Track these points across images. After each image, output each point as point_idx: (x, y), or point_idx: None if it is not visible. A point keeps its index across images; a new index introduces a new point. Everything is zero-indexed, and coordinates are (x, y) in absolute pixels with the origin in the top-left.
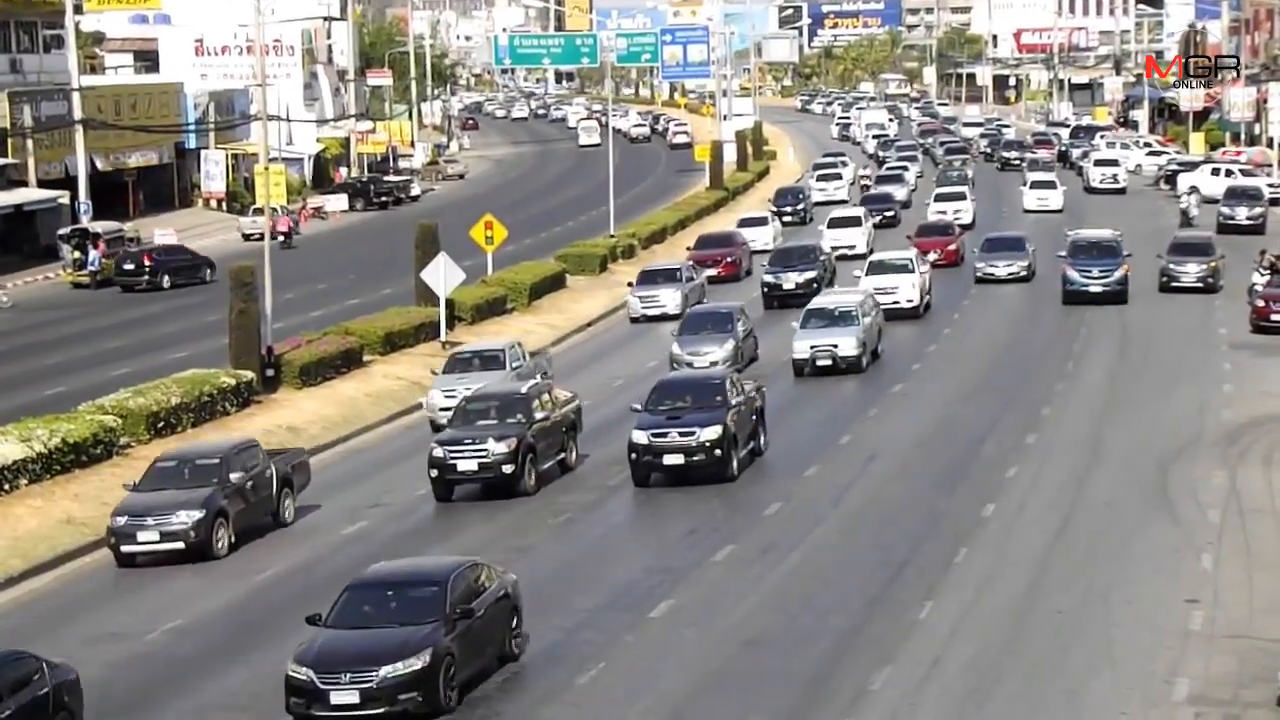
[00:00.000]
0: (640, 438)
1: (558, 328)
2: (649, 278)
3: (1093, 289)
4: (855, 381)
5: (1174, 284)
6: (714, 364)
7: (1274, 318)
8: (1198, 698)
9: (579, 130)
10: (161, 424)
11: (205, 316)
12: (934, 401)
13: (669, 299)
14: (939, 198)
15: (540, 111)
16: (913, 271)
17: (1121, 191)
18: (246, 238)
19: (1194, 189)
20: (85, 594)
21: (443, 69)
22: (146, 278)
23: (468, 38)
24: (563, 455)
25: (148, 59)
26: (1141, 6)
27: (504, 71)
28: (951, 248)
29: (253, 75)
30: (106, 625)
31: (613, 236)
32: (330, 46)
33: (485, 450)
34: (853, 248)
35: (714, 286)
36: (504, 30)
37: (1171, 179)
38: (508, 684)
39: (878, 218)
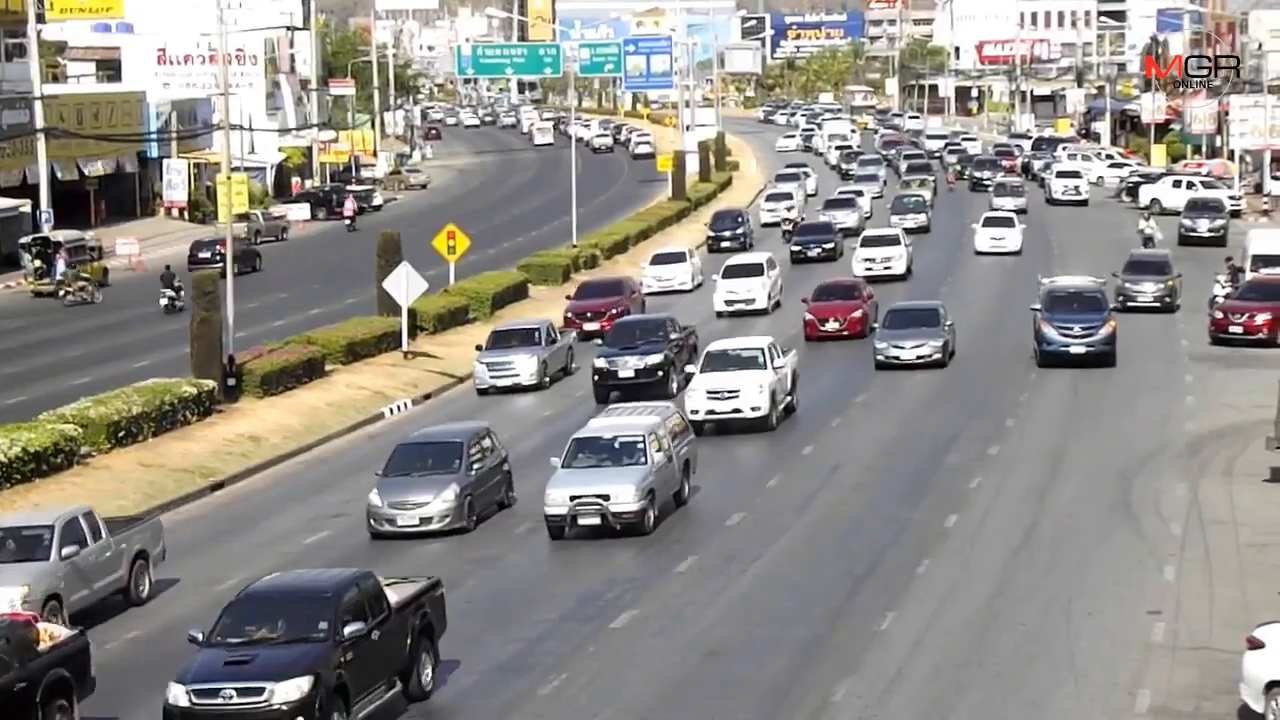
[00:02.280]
0: (178, 697)
1: None
2: (502, 340)
3: (1074, 350)
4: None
5: (1130, 304)
6: (426, 520)
7: (1233, 330)
8: (1160, 709)
9: (534, 132)
10: (122, 433)
11: (166, 325)
12: (898, 412)
13: (524, 367)
14: (867, 242)
15: (489, 119)
16: (764, 367)
17: (1083, 203)
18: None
19: (1152, 203)
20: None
21: (405, 79)
22: (220, 265)
23: (430, 48)
24: None
25: (110, 68)
26: (1104, 19)
27: (467, 82)
28: (856, 315)
29: (215, 84)
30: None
31: (575, 246)
32: (293, 56)
33: None
34: (752, 302)
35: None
36: (467, 40)
37: (1133, 191)
38: (468, 694)
39: (816, 251)
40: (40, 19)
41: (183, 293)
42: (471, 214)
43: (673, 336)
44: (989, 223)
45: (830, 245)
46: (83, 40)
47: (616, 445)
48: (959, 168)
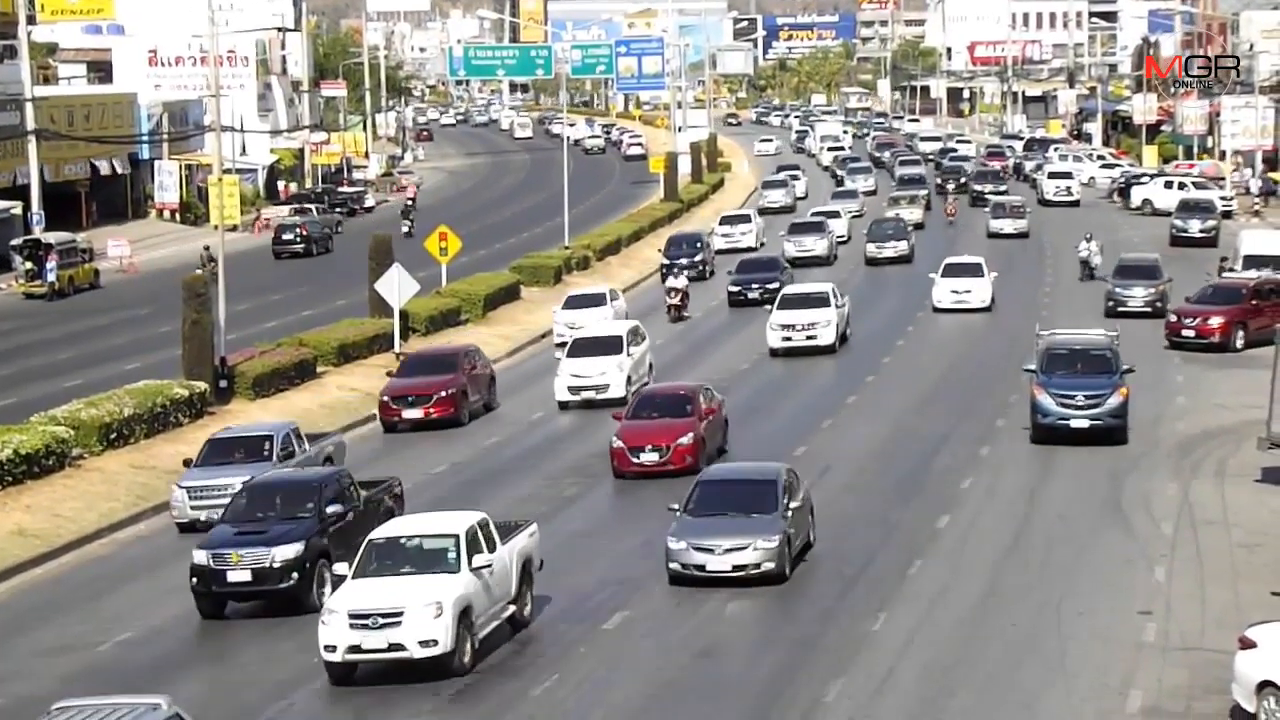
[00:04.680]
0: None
1: (511, 339)
2: (220, 452)
3: (1075, 424)
4: None
5: (1120, 308)
6: None
7: (1185, 333)
8: (1151, 709)
9: (514, 127)
10: (114, 435)
11: (158, 327)
12: (889, 413)
13: None
14: (786, 302)
15: (461, 117)
16: (455, 568)
17: (1075, 204)
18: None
19: (1144, 204)
20: (37, 605)
21: (397, 80)
22: (301, 245)
23: (422, 49)
24: None
25: (101, 69)
26: (1095, 20)
27: (459, 83)
28: (685, 440)
29: (206, 86)
30: (58, 637)
31: (567, 248)
32: (284, 57)
33: None
34: (604, 389)
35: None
36: (459, 42)
37: (1125, 191)
38: (461, 695)
39: (757, 291)
40: (31, 20)
41: (415, 223)
42: (463, 215)
43: (332, 510)
44: (951, 271)
45: (774, 285)
46: (74, 42)
47: None
48: (956, 191)
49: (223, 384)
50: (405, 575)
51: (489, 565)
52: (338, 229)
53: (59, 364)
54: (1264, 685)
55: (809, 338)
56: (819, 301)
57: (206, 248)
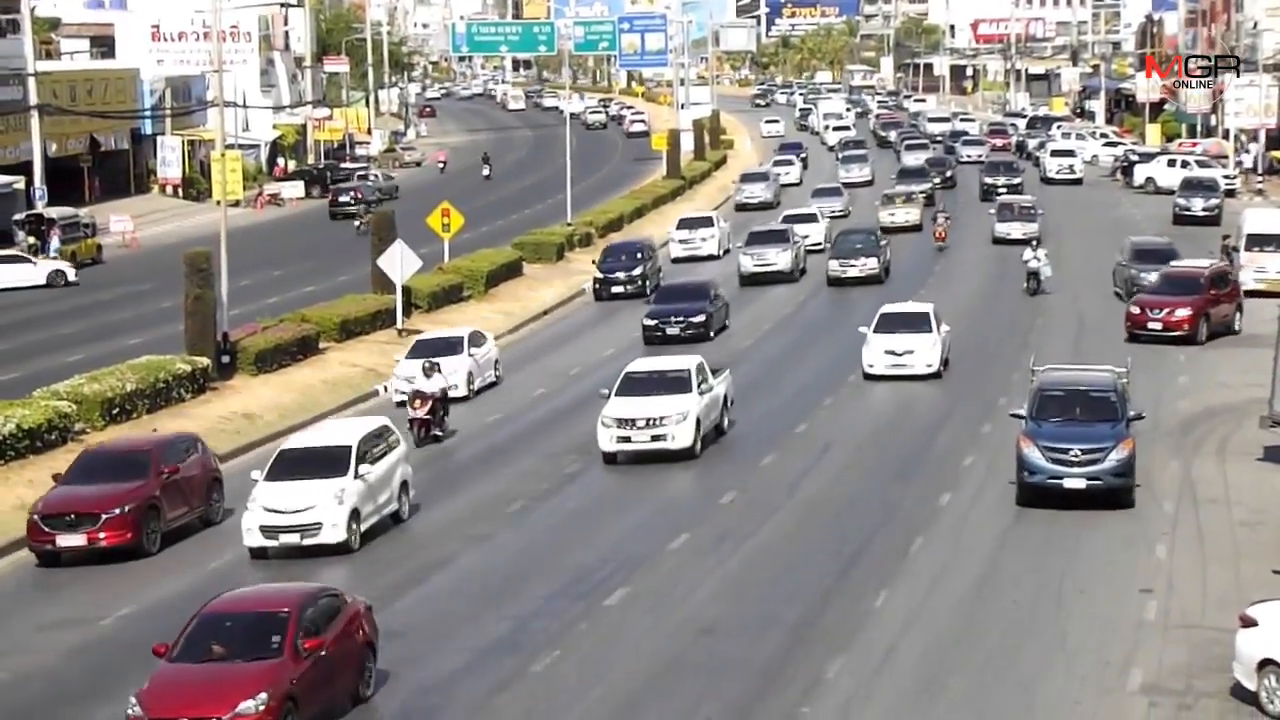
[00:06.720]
0: None
1: (513, 315)
2: None
3: (1069, 483)
4: None
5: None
6: None
7: (1151, 325)
8: (1151, 687)
9: (507, 99)
10: (117, 410)
11: (160, 303)
12: (890, 391)
13: None
14: (628, 385)
15: (445, 91)
16: None
17: (1078, 182)
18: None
19: (1147, 182)
20: (40, 580)
21: (400, 56)
22: (356, 207)
23: (425, 25)
24: None
25: (104, 44)
26: None
27: (461, 59)
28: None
29: (209, 61)
30: (61, 611)
31: (570, 224)
32: (287, 33)
33: None
34: (315, 529)
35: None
36: (461, 18)
37: (1128, 170)
38: (462, 672)
39: (678, 326)
40: None
41: (493, 168)
42: (465, 191)
43: None
44: (887, 325)
45: (700, 318)
46: (76, 17)
47: None
48: (943, 185)
49: (225, 359)
50: None
51: None
52: (395, 193)
53: (61, 339)
54: (1265, 663)
55: (655, 438)
56: (674, 385)
57: (366, 207)
